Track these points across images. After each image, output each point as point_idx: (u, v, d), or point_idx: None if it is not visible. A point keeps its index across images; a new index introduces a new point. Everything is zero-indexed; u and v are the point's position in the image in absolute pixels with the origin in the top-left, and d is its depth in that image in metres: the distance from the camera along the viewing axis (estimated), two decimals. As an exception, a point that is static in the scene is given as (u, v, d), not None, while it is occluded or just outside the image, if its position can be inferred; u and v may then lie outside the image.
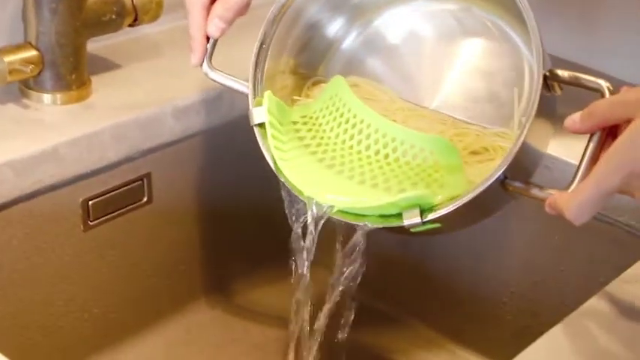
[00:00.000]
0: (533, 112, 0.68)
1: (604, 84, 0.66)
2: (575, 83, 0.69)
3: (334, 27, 0.87)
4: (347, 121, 0.79)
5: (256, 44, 0.81)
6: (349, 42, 0.88)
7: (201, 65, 0.82)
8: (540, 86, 0.68)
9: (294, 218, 0.78)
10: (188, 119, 0.96)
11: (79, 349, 0.93)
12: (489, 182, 0.68)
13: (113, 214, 0.93)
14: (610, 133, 0.64)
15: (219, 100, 0.97)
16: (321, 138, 0.81)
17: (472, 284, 1.02)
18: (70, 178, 0.88)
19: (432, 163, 0.76)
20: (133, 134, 0.91)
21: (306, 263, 0.78)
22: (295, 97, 0.86)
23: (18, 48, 0.88)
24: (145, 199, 0.96)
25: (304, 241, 0.78)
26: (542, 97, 0.68)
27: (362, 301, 0.90)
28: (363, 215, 0.73)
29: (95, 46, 0.99)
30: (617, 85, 0.67)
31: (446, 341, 1.03)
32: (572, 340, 0.66)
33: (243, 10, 0.80)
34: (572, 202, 0.61)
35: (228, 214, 1.06)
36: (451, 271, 1.03)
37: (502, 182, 0.69)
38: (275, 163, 0.76)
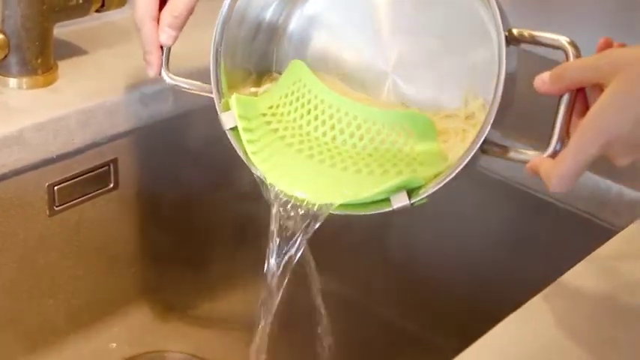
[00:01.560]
0: (502, 77, 0.68)
1: (564, 40, 0.67)
2: (535, 42, 0.70)
3: (277, 13, 0.87)
4: (316, 107, 0.79)
5: (212, 48, 0.80)
6: (294, 24, 0.87)
7: (159, 75, 0.83)
8: (504, 48, 0.68)
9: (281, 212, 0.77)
10: (155, 106, 0.96)
11: (44, 334, 0.93)
12: (473, 151, 0.69)
13: (79, 200, 0.93)
14: (579, 90, 0.66)
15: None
16: (293, 128, 0.81)
17: (434, 269, 1.03)
18: (36, 163, 0.87)
19: (407, 139, 0.77)
20: (99, 120, 0.91)
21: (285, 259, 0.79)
22: (253, 89, 0.86)
23: (-17, 32, 0.88)
24: (112, 185, 0.96)
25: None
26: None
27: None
28: (350, 205, 0.73)
29: (62, 30, 0.98)
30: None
31: (418, 330, 1.04)
32: (533, 324, 0.67)
33: (191, 11, 0.80)
34: (552, 173, 0.62)
35: (195, 201, 1.06)
36: (412, 259, 1.03)
37: (481, 145, 0.70)
38: (254, 165, 0.76)
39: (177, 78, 0.82)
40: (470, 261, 1.01)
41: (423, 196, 0.72)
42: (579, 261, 0.75)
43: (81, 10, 0.94)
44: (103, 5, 0.95)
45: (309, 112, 0.80)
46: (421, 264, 1.04)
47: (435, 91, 0.83)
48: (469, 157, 0.70)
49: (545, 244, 0.94)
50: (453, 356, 0.68)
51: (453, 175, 0.70)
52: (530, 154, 0.69)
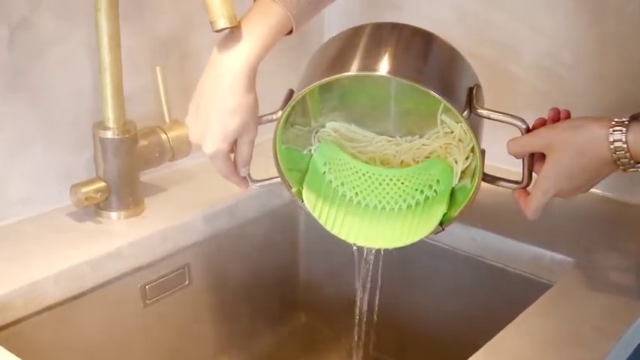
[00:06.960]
0: (480, 142, 0.80)
1: (511, 119, 0.79)
2: (493, 119, 0.79)
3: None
4: (356, 172, 0.90)
5: (274, 157, 0.87)
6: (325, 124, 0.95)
7: (249, 187, 0.90)
8: (467, 125, 0.79)
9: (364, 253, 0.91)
10: (214, 223, 1.06)
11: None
12: (478, 184, 0.82)
13: (164, 294, 1.01)
14: None
15: (235, 208, 1.08)
16: (348, 182, 0.90)
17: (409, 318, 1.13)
18: (131, 270, 0.97)
19: (428, 178, 0.89)
20: (175, 236, 1.01)
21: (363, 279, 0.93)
22: (306, 152, 0.93)
23: (91, 181, 0.99)
24: (187, 282, 1.04)
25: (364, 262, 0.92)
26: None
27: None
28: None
29: (146, 176, 1.10)
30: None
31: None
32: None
33: (252, 150, 0.86)
34: (527, 209, 0.83)
35: (253, 295, 1.15)
36: (395, 311, 1.09)
37: (482, 177, 0.82)
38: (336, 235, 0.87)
39: (257, 183, 0.90)
40: (427, 316, 1.10)
41: (449, 224, 0.86)
42: (528, 305, 0.84)
43: (158, 161, 1.05)
44: (173, 156, 1.06)
45: (352, 174, 0.90)
46: (401, 315, 1.12)
47: (420, 119, 0.93)
48: (476, 191, 0.82)
49: (501, 296, 1.02)
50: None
51: (466, 204, 0.83)
52: (511, 185, 0.83)
